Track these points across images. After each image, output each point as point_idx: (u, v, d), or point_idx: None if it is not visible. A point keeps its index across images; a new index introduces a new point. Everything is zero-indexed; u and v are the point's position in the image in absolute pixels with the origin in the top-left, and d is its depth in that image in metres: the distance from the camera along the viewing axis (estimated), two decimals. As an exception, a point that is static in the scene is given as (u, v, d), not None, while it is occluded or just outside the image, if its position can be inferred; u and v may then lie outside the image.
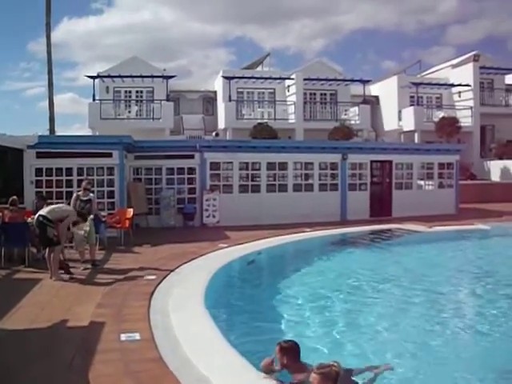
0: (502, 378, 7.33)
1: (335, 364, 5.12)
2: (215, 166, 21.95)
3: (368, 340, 8.73)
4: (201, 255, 14.18)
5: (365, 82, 38.16)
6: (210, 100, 40.29)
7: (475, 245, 19.12)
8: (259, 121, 33.70)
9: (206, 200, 21.17)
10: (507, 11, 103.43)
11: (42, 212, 11.77)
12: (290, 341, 6.39)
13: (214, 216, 21.17)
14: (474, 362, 8.04)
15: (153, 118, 34.56)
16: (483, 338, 9.11)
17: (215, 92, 39.61)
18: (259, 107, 37.25)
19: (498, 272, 14.84)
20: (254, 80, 37.07)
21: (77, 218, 12.62)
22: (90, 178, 17.16)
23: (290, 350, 6.18)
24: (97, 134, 32.75)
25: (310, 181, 23.10)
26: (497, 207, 27.54)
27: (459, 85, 39.16)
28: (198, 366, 6.58)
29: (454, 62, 42.76)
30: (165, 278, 11.44)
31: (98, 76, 35.06)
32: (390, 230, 20.38)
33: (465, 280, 14.03)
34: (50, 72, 33.11)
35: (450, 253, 17.57)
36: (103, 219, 15.39)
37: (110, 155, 18.72)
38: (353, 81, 38.87)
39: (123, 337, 7.46)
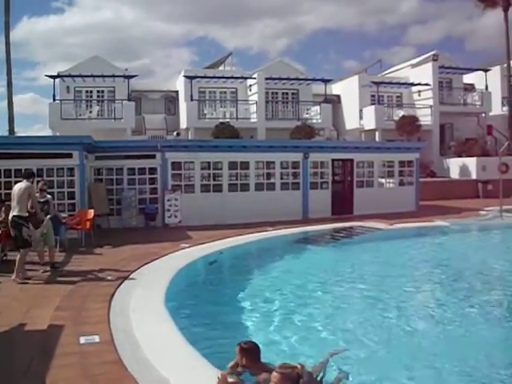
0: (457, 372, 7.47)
1: (298, 366, 5.14)
2: (177, 165, 21.86)
3: (318, 337, 8.84)
4: (162, 256, 14.15)
5: (326, 82, 38.33)
6: (172, 100, 40.08)
7: (435, 241, 19.41)
8: (221, 120, 33.60)
9: (168, 200, 21.09)
10: (465, 12, 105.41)
11: (15, 212, 11.58)
12: (250, 341, 6.37)
13: (175, 216, 21.10)
14: (421, 355, 8.18)
15: (114, 118, 34.21)
16: (436, 331, 9.32)
17: (177, 92, 39.40)
18: (221, 107, 37.19)
19: (456, 268, 15.10)
20: (215, 79, 36.98)
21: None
22: (47, 179, 16.91)
23: (250, 351, 6.15)
24: (57, 134, 32.31)
25: (271, 180, 23.16)
26: (456, 204, 28.00)
27: (419, 84, 39.63)
28: (157, 368, 6.58)
29: (414, 61, 43.39)
30: (126, 279, 11.39)
31: (59, 76, 34.57)
32: (351, 227, 20.54)
33: (424, 276, 14.27)
34: (9, 72, 32.53)
35: (409, 249, 17.82)
36: (63, 221, 15.23)
37: (69, 156, 18.47)
38: (314, 80, 39.03)
39: (82, 340, 7.40)
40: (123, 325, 8.26)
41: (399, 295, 11.88)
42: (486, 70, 40.61)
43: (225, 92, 38.72)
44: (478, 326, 9.69)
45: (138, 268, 12.48)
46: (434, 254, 17.58)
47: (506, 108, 39.90)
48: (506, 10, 38.60)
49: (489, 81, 40.35)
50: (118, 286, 10.66)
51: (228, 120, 33.94)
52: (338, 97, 42.49)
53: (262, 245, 17.03)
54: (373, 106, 38.45)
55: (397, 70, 44.74)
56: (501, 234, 21.24)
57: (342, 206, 24.26)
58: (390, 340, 8.87)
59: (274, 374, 5.00)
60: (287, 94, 39.59)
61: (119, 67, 37.25)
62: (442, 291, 12.57)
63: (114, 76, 34.72)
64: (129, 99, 34.54)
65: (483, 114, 40.80)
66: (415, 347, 8.63)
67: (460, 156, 36.00)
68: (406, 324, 9.74)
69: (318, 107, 37.64)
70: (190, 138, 33.65)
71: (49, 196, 13.97)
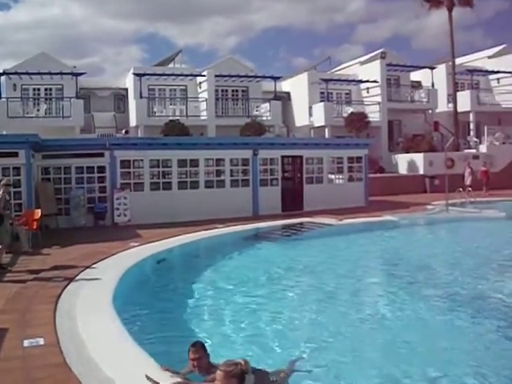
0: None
1: (242, 362, 5.13)
2: (126, 163, 21.69)
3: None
4: (111, 255, 14.01)
5: (276, 79, 38.49)
6: (121, 97, 39.66)
7: (384, 235, 19.73)
8: (171, 118, 33.48)
9: (117, 199, 20.88)
10: (411, 12, 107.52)
11: None
12: (198, 342, 6.40)
13: (125, 215, 20.92)
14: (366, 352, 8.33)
15: (62, 116, 33.62)
16: (383, 321, 9.50)
17: (127, 89, 38.99)
18: (171, 104, 37.06)
19: (404, 261, 15.42)
20: (165, 77, 36.72)
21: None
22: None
23: (198, 351, 6.17)
24: (4, 133, 31.61)
25: (221, 177, 23.20)
26: (404, 199, 28.47)
27: (367, 81, 40.20)
28: (103, 368, 6.51)
29: (363, 59, 43.97)
30: (73, 279, 11.24)
31: (4, 73, 33.85)
32: (301, 223, 20.70)
33: (373, 269, 14.52)
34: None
35: (359, 244, 18.11)
36: (10, 221, 14.94)
37: (15, 155, 18.15)
38: (264, 77, 39.15)
39: (26, 343, 7.26)
40: (69, 326, 8.15)
41: (348, 288, 12.11)
42: (432, 68, 41.48)
43: (174, 89, 38.51)
44: (422, 314, 10.06)
45: (87, 268, 12.34)
46: (382, 248, 17.90)
47: (451, 105, 40.68)
48: (450, 10, 39.47)
49: (435, 78, 41.17)
50: (65, 287, 10.52)
51: (178, 117, 33.84)
52: (288, 94, 42.67)
53: (212, 242, 17.00)
54: (322, 103, 38.77)
55: (346, 68, 45.30)
56: (447, 228, 21.74)
57: (292, 202, 24.41)
58: (337, 330, 9.03)
59: (218, 372, 4.99)
60: (237, 91, 39.60)
61: (67, 64, 36.75)
62: (390, 283, 12.85)
63: (61, 73, 34.21)
64: (77, 97, 34.05)
65: (430, 111, 41.64)
66: (363, 335, 8.79)
67: (408, 152, 36.63)
68: (352, 313, 10.01)
69: (267, 104, 37.78)
70: (139, 135, 33.37)
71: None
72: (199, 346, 6.25)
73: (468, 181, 29.50)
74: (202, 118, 36.23)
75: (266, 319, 9.64)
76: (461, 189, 28.46)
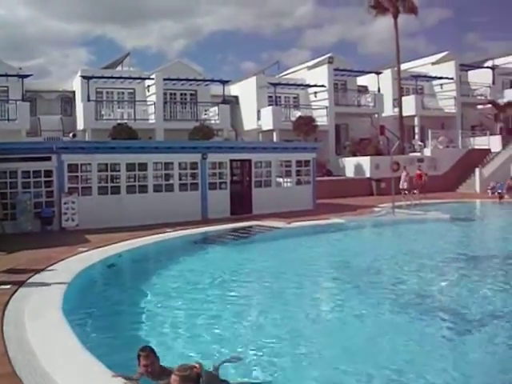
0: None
1: (196, 365, 5.18)
2: (73, 167, 21.40)
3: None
4: (60, 260, 13.85)
5: (224, 83, 38.59)
6: (68, 100, 39.05)
7: (331, 238, 20.04)
8: (119, 121, 33.22)
9: (65, 203, 20.62)
10: (358, 18, 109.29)
11: None
12: (147, 347, 6.42)
13: (73, 219, 20.68)
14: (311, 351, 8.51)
15: (8, 119, 32.92)
16: (328, 320, 9.72)
17: (74, 92, 38.36)
18: (119, 107, 36.66)
19: (351, 262, 15.69)
20: (113, 80, 36.38)
21: None
22: None
23: (149, 356, 6.19)
24: None
25: (170, 181, 23.12)
26: (351, 201, 28.92)
27: (315, 85, 40.69)
28: (54, 377, 6.44)
29: (310, 63, 44.48)
30: (21, 286, 11.08)
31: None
32: (250, 227, 20.83)
33: (321, 271, 14.71)
34: None
35: (307, 246, 18.39)
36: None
37: (-42, 159, 17.79)
38: (212, 81, 39.26)
39: (-27, 353, 7.14)
40: (17, 334, 8.05)
41: (294, 290, 12.31)
42: (378, 73, 42.24)
43: (123, 93, 38.18)
44: (367, 314, 10.33)
45: (35, 274, 12.18)
46: (330, 251, 18.19)
47: (396, 109, 41.46)
48: (395, 17, 40.27)
49: (381, 83, 41.89)
50: (12, 294, 10.36)
51: (126, 121, 33.61)
52: (236, 98, 42.80)
53: (161, 247, 16.96)
54: (270, 107, 39.01)
55: (294, 72, 45.68)
56: (393, 230, 22.20)
57: (241, 205, 24.51)
58: (280, 332, 9.18)
59: (173, 377, 5.02)
60: (186, 94, 39.55)
61: (12, 66, 35.98)
62: (337, 285, 13.11)
63: (6, 75, 33.47)
64: (23, 99, 33.41)
65: (376, 115, 42.29)
66: (307, 337, 8.96)
67: (355, 155, 37.22)
68: (296, 315, 10.21)
69: (216, 108, 37.81)
70: (86, 139, 32.99)
71: None
72: (149, 351, 6.27)
73: (404, 185, 30.10)
74: (151, 121, 36.00)
75: (208, 322, 9.71)
76: (406, 191, 29.14)
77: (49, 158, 20.90)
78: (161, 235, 18.27)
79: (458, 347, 8.60)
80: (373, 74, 42.73)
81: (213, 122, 36.58)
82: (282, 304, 11.20)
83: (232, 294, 12.05)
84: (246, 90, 42.03)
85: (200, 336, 8.98)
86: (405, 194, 29.04)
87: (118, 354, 7.80)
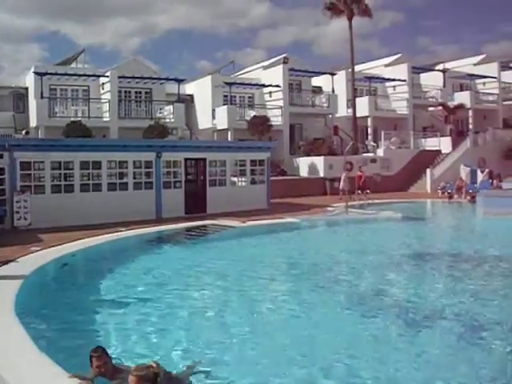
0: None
1: (153, 365, 5.16)
2: (26, 165, 20.99)
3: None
4: (12, 260, 13.59)
5: (180, 81, 38.46)
6: (21, 97, 38.37)
7: (285, 237, 20.19)
8: (73, 119, 32.85)
9: (17, 201, 20.22)
10: (313, 19, 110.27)
11: None
12: (99, 347, 6.36)
13: (25, 218, 20.30)
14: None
15: (-43, 116, 32.33)
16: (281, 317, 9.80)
17: (27, 88, 37.74)
18: (73, 105, 36.31)
19: (304, 261, 15.79)
20: (67, 77, 35.92)
21: None
22: None
23: (102, 356, 6.15)
24: None
25: (124, 180, 22.88)
26: (305, 201, 29.16)
27: (270, 85, 40.88)
28: (8, 380, 6.31)
29: (266, 63, 44.74)
30: (-30, 285, 10.88)
31: None
32: (205, 226, 20.83)
33: (274, 271, 14.78)
34: None
35: (261, 245, 18.46)
36: None
37: None
38: (168, 79, 39.15)
39: None
40: (-34, 336, 7.88)
41: (248, 288, 12.34)
42: (332, 74, 42.70)
43: (77, 90, 37.70)
44: (318, 311, 10.50)
45: (-16, 273, 11.96)
46: (284, 250, 18.24)
47: (350, 110, 41.97)
48: (350, 19, 40.79)
49: (335, 84, 42.39)
50: (-39, 293, 10.17)
51: (80, 119, 33.25)
52: (192, 96, 42.75)
53: (115, 246, 16.83)
54: (225, 106, 39.06)
55: (249, 72, 45.83)
56: (346, 229, 22.42)
57: (196, 204, 24.46)
58: (230, 330, 9.23)
59: (131, 377, 5.00)
60: (140, 93, 39.28)
61: (-39, 62, 35.30)
62: (290, 283, 13.23)
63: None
64: (-27, 96, 32.78)
65: (330, 115, 42.75)
66: (258, 335, 9.02)
67: (309, 155, 37.51)
68: (248, 312, 10.31)
69: (171, 107, 37.67)
70: (40, 136, 32.48)
71: None
72: (101, 352, 6.22)
73: (343, 185, 30.41)
74: (105, 119, 35.70)
75: (157, 322, 9.66)
76: (359, 191, 29.52)
77: (1, 156, 20.50)
78: (115, 234, 18.08)
79: (410, 342, 8.79)
80: (327, 75, 43.14)
81: (167, 120, 36.44)
82: (234, 302, 11.25)
83: (185, 292, 12.01)
84: (201, 89, 41.98)
85: (151, 334, 8.92)
86: (343, 194, 29.39)
87: (73, 353, 7.72)
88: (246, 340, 8.83)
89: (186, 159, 24.49)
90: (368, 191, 30.23)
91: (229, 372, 7.42)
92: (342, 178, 30.61)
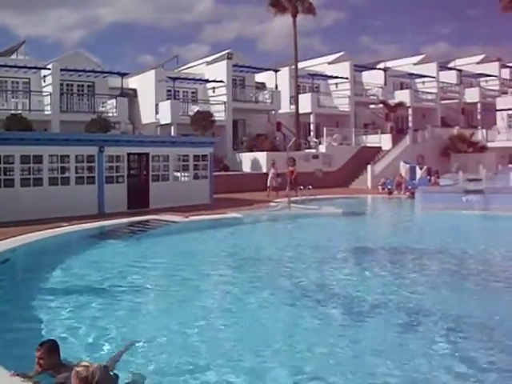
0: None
1: (92, 368, 5.16)
2: (-38, 159, 20.64)
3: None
4: None
5: (123, 75, 38.18)
6: (-43, 88, 37.47)
7: (228, 232, 20.38)
8: (13, 112, 32.18)
9: (-47, 196, 19.86)
10: (257, 16, 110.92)
11: None
12: (45, 342, 6.33)
13: (-38, 213, 19.93)
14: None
15: None
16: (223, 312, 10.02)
17: (-37, 80, 36.93)
18: (13, 97, 35.59)
19: (247, 256, 15.99)
20: (7, 68, 35.16)
21: None
22: None
23: (49, 351, 6.12)
24: None
25: (66, 174, 22.63)
26: (248, 196, 29.36)
27: (213, 81, 41.01)
28: None
29: (209, 59, 44.79)
30: None
31: None
32: (147, 221, 20.76)
33: (217, 265, 14.95)
34: None
35: (204, 241, 18.59)
36: None
37: None
38: (111, 73, 38.82)
39: None
40: None
41: (189, 283, 12.48)
42: (276, 71, 43.11)
43: (17, 82, 36.93)
44: (262, 305, 10.64)
45: None
46: (226, 244, 18.41)
47: (293, 106, 42.46)
48: (294, 16, 41.22)
49: (278, 80, 42.82)
50: None
51: (20, 112, 32.59)
52: (135, 91, 42.44)
53: (57, 241, 16.66)
54: (168, 101, 39.01)
55: (193, 67, 45.86)
56: (289, 224, 22.77)
57: (139, 200, 24.41)
58: (167, 327, 9.33)
59: (73, 373, 5.07)
60: (83, 86, 38.78)
61: None
62: (233, 278, 13.39)
63: None
64: None
65: (273, 112, 43.06)
66: (198, 331, 9.19)
67: (252, 151, 37.81)
68: (188, 308, 10.38)
69: (114, 101, 37.41)
70: (-22, 130, 31.78)
71: None
72: (46, 347, 6.16)
73: (271, 182, 30.93)
74: (46, 112, 35.13)
75: (96, 316, 9.71)
76: (301, 187, 29.93)
77: None
78: (56, 230, 17.88)
79: (349, 332, 9.10)
80: (271, 72, 43.50)
81: (110, 114, 36.15)
82: (173, 297, 11.29)
83: (124, 287, 11.96)
84: (144, 84, 41.76)
85: (90, 329, 8.94)
86: (272, 190, 29.74)
87: (13, 351, 7.71)
88: (182, 333, 8.99)
89: (128, 154, 24.43)
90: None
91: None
92: (270, 175, 30.99)
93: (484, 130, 47.59)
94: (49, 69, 35.79)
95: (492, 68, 56.09)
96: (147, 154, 24.97)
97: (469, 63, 57.28)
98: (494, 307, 10.65)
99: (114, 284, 12.23)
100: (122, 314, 10.06)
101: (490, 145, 45.44)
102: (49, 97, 35.22)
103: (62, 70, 35.93)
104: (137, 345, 7.87)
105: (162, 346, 8.37)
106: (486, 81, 56.12)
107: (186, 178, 27.18)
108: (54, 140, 23.13)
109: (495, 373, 7.26)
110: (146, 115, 40.99)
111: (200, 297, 11.49)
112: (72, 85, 38.33)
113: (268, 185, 30.91)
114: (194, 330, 9.08)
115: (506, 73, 58.19)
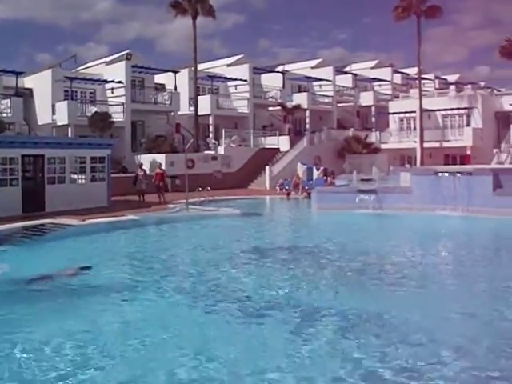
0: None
1: None
2: None
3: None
4: None
5: (18, 74, 37.32)
6: None
7: (126, 235, 20.61)
8: None
9: None
10: (156, 16, 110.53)
11: None
12: None
13: None
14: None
15: None
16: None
17: None
18: None
19: (145, 258, 16.17)
20: None
21: None
22: None
23: None
24: None
25: (-45, 177, 21.98)
26: (146, 198, 29.20)
27: (112, 81, 40.62)
28: None
29: (108, 59, 44.38)
30: None
31: None
32: (43, 225, 20.38)
33: (114, 268, 15.06)
34: None
35: (101, 244, 18.62)
36: None
37: None
38: (5, 72, 37.69)
39: None
40: None
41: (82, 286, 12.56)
42: (175, 72, 43.25)
43: None
44: (159, 308, 10.93)
45: None
46: (123, 247, 18.59)
47: (192, 108, 42.72)
48: (194, 18, 41.38)
49: (178, 82, 43.00)
50: None
51: None
52: (31, 90, 41.42)
53: None
54: (66, 102, 38.34)
55: (91, 67, 45.25)
56: (187, 225, 23.05)
57: (34, 203, 23.89)
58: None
59: None
60: (-25, 85, 37.60)
61: None
62: (132, 280, 13.57)
63: None
64: None
65: (172, 113, 43.30)
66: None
67: (150, 152, 37.75)
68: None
69: (8, 100, 36.51)
70: None
71: None
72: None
73: (140, 186, 30.04)
74: None
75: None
76: (200, 188, 30.21)
77: None
78: None
79: (246, 331, 9.52)
80: (170, 73, 43.59)
81: (4, 115, 35.29)
82: (67, 304, 11.37)
83: (15, 295, 11.95)
84: (40, 83, 40.80)
85: None
86: (137, 194, 29.54)
87: None
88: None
89: (23, 156, 23.86)
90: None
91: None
92: (139, 177, 30.42)
93: (377, 132, 49.57)
94: None
95: (385, 73, 58.46)
96: (43, 156, 24.50)
97: (363, 68, 59.78)
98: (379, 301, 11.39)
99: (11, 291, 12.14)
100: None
101: (383, 146, 47.50)
102: None
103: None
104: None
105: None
106: (380, 85, 58.51)
107: (83, 181, 26.82)
108: None
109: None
110: (43, 116, 40.07)
111: (92, 300, 11.59)
112: (-37, 84, 37.10)
113: (137, 188, 29.99)
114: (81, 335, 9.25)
115: (397, 78, 60.76)
